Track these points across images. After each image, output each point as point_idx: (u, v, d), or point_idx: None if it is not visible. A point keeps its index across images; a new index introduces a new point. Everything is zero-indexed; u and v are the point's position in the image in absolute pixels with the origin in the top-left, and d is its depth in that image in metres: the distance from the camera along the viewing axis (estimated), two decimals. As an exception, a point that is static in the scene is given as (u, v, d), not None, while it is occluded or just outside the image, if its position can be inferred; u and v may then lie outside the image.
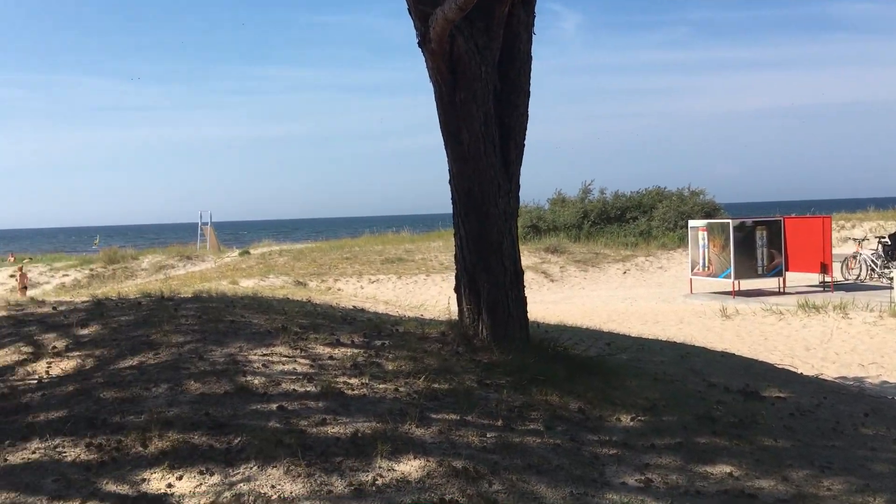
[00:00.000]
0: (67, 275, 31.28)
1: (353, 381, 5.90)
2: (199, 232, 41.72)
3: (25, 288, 27.87)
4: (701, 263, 20.93)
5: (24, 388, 5.64)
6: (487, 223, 7.00)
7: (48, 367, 6.08)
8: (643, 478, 4.78)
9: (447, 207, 7.43)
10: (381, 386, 5.86)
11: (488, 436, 5.14)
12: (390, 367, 6.31)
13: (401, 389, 5.82)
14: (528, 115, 7.31)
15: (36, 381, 5.79)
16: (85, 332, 6.98)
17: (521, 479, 4.57)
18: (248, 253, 33.11)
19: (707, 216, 30.18)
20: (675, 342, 10.70)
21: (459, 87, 6.76)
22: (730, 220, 20.94)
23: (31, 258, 37.92)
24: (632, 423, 5.79)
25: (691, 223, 22.28)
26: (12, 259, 37.43)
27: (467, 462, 4.68)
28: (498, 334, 7.01)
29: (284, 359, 6.26)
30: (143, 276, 30.67)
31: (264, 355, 6.30)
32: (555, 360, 6.94)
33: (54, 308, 8.05)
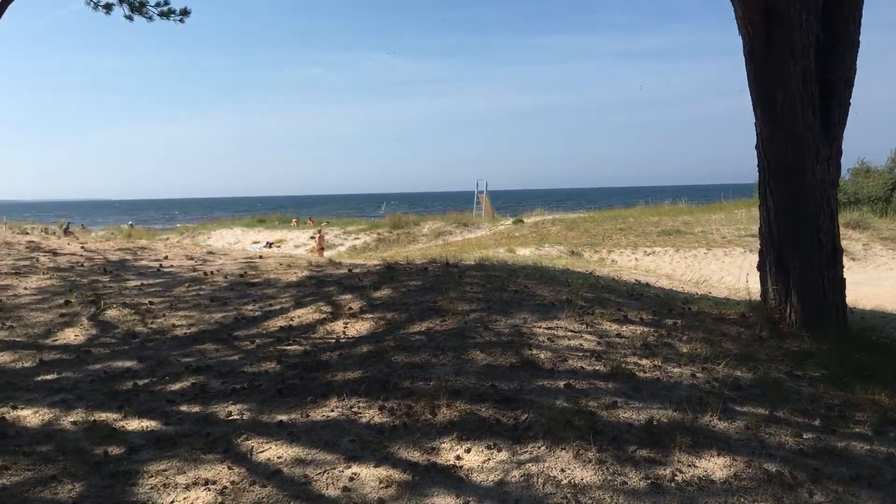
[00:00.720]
0: (358, 238, 33.83)
1: (645, 362, 5.47)
2: (475, 200, 43.02)
3: (323, 249, 30.55)
4: None
5: (323, 347, 5.92)
6: (801, 194, 6.16)
7: (345, 328, 6.34)
8: None
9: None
10: (675, 370, 5.37)
11: (805, 437, 4.47)
12: (685, 350, 5.79)
13: (698, 375, 5.29)
14: (855, 70, 6.29)
15: (334, 340, 6.06)
16: (377, 294, 7.22)
17: (848, 491, 3.89)
18: (521, 221, 33.49)
19: None
20: None
21: (774, 40, 5.95)
22: None
23: (327, 222, 41.57)
24: None
25: None
26: (311, 223, 41.31)
27: (781, 465, 4.07)
28: (809, 319, 6.18)
29: (570, 333, 5.99)
30: (424, 242, 32.27)
31: (549, 328, 6.07)
32: (881, 352, 5.96)
33: (350, 270, 8.47)
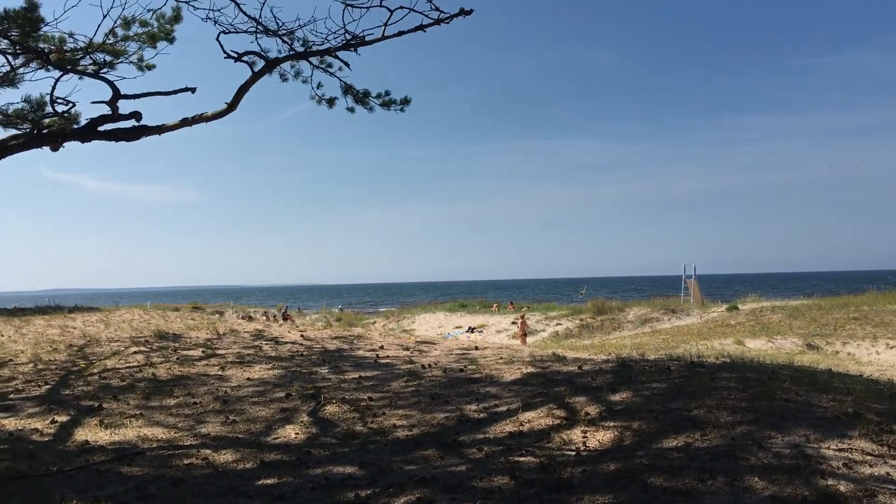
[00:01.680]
0: (560, 324, 32.87)
1: (984, 503, 4.20)
2: (682, 285, 40.91)
3: (525, 335, 29.92)
4: None
5: (562, 460, 5.13)
6: None
7: (584, 437, 5.53)
8: None
9: None
10: None
11: None
12: None
13: None
14: None
15: (574, 453, 5.26)
16: (616, 398, 6.36)
17: None
18: (736, 308, 31.11)
19: None
20: None
21: None
22: None
23: (528, 307, 41.04)
24: None
25: None
26: (511, 308, 40.97)
27: None
28: None
29: (870, 458, 4.80)
30: (630, 328, 30.78)
31: (841, 451, 4.92)
32: None
33: (580, 367, 7.68)
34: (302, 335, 11.24)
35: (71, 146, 8.56)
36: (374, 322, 39.22)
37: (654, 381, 6.75)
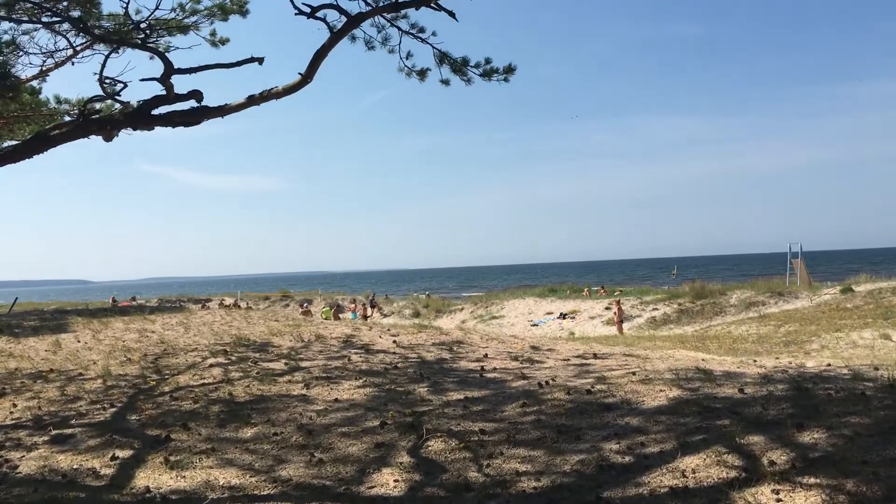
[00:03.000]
0: (657, 308, 31.03)
1: None
2: (787, 265, 38.36)
3: (622, 322, 28.29)
4: None
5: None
6: None
7: (777, 497, 4.13)
8: None
9: None
10: None
11: None
12: None
13: None
14: None
15: (772, 527, 3.87)
16: (806, 439, 4.89)
17: None
18: (850, 290, 28.59)
19: None
20: None
21: None
22: None
23: (621, 291, 39.11)
24: None
25: None
26: (603, 292, 39.14)
27: None
28: None
29: None
30: (733, 313, 28.78)
31: None
32: None
33: (739, 390, 6.21)
34: (395, 341, 10.10)
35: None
36: (462, 308, 38.05)
37: (851, 414, 5.25)
